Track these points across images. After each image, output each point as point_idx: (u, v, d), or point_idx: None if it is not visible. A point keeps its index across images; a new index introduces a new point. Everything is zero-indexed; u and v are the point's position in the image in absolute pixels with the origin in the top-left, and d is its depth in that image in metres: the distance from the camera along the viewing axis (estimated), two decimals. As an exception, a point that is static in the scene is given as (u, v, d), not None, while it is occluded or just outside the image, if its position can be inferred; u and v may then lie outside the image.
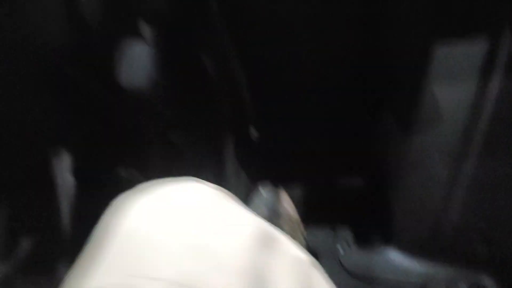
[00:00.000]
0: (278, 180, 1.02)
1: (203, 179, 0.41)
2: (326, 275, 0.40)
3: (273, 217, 0.96)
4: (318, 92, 0.99)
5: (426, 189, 0.86)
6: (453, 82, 0.80)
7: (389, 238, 0.94)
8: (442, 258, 0.88)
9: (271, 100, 1.01)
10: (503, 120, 0.77)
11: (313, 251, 0.97)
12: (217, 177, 1.01)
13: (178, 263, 0.30)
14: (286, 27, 0.91)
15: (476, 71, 0.77)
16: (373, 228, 0.98)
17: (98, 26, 0.80)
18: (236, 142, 1.01)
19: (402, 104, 0.87)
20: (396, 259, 0.93)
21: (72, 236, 0.79)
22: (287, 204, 0.99)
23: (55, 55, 0.78)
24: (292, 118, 1.03)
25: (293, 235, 0.99)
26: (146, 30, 0.82)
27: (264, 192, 0.99)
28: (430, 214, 0.87)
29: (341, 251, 0.97)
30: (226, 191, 0.41)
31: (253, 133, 0.97)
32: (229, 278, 0.30)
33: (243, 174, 1.04)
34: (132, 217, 0.33)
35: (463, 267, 0.87)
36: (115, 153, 0.91)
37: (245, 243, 0.34)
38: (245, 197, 1.01)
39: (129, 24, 0.81)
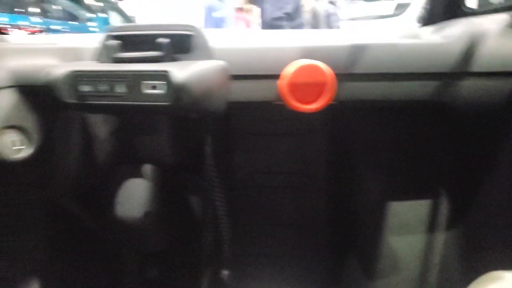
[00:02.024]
0: None
1: None
2: None
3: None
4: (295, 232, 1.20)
5: None
6: (405, 233, 0.96)
7: None
8: None
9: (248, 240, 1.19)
10: (450, 269, 0.90)
11: None
12: None
13: None
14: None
15: (423, 224, 0.95)
16: None
17: (106, 163, 0.92)
18: (210, 282, 1.10)
19: (364, 253, 1.03)
20: None
21: None
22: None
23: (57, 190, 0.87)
24: (267, 256, 1.20)
25: None
26: (147, 168, 0.94)
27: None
28: None
29: None
30: None
31: (225, 273, 1.04)
32: None
33: None
34: None
35: None
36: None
37: None
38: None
39: (133, 163, 0.94)
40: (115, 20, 5.40)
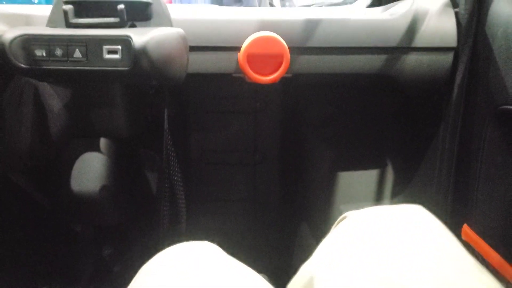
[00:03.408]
0: None
1: None
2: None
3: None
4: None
5: None
6: (356, 205, 1.01)
7: None
8: None
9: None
10: None
11: None
12: None
13: None
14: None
15: (372, 196, 1.00)
16: None
17: (60, 137, 0.87)
18: None
19: (316, 225, 1.08)
20: None
21: None
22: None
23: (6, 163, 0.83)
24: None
25: None
26: (103, 142, 0.92)
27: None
28: None
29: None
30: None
31: None
32: None
33: None
34: None
35: None
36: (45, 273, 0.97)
37: None
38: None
39: (88, 137, 0.92)
40: None
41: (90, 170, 0.93)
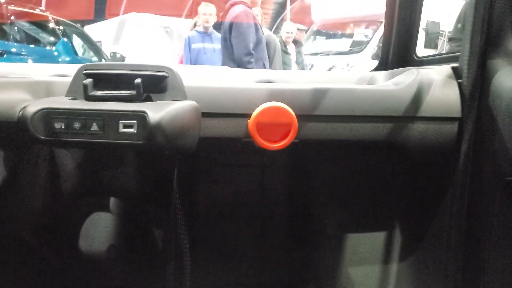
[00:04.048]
0: None
1: None
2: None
3: None
4: None
5: None
6: (362, 265, 1.01)
7: None
8: None
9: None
10: None
11: None
12: None
13: None
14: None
15: (379, 256, 1.01)
16: None
17: (72, 196, 0.94)
18: None
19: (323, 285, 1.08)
20: None
21: None
22: None
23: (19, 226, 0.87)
24: None
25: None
26: (112, 201, 0.95)
27: None
28: None
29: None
30: None
31: None
32: None
33: None
34: None
35: None
36: None
37: None
38: None
39: (98, 195, 0.95)
40: (79, 44, 5.32)
41: (98, 230, 0.94)
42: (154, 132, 0.65)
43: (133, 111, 0.66)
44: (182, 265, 0.98)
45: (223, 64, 2.87)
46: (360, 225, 1.02)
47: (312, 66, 5.49)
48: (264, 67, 2.81)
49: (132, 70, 0.74)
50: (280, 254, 1.23)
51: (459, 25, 1.90)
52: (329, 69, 5.65)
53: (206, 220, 1.22)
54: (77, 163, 0.95)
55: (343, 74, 0.89)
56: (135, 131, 0.66)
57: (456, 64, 0.83)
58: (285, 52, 4.25)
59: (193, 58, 3.72)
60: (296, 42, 4.53)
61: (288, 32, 4.37)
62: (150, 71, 0.75)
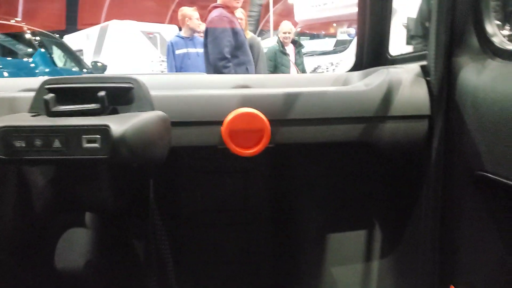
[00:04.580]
0: None
1: None
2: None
3: None
4: None
5: None
6: (344, 264, 1.01)
7: None
8: None
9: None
10: None
11: None
12: None
13: None
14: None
15: (361, 255, 1.01)
16: None
17: (45, 213, 0.90)
18: None
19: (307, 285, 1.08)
20: None
21: None
22: None
23: None
24: None
25: None
26: (88, 216, 0.93)
27: None
28: None
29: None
30: None
31: None
32: None
33: None
34: None
35: None
36: None
37: None
38: None
39: (72, 211, 0.93)
40: (59, 55, 5.24)
41: (74, 247, 0.92)
42: (118, 146, 0.63)
43: (95, 126, 0.64)
44: (165, 277, 0.96)
45: (206, 69, 2.85)
46: (341, 225, 1.02)
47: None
48: (247, 71, 2.77)
49: (95, 82, 0.73)
50: (264, 258, 1.22)
51: (418, 23, 1.90)
52: (314, 70, 5.69)
53: (188, 229, 1.21)
54: (48, 180, 0.93)
55: (320, 76, 0.89)
56: (99, 146, 0.64)
57: (424, 63, 0.83)
58: (283, 53, 4.14)
59: (178, 64, 3.67)
60: (295, 43, 4.35)
61: (285, 32, 4.19)
62: (114, 83, 0.73)
